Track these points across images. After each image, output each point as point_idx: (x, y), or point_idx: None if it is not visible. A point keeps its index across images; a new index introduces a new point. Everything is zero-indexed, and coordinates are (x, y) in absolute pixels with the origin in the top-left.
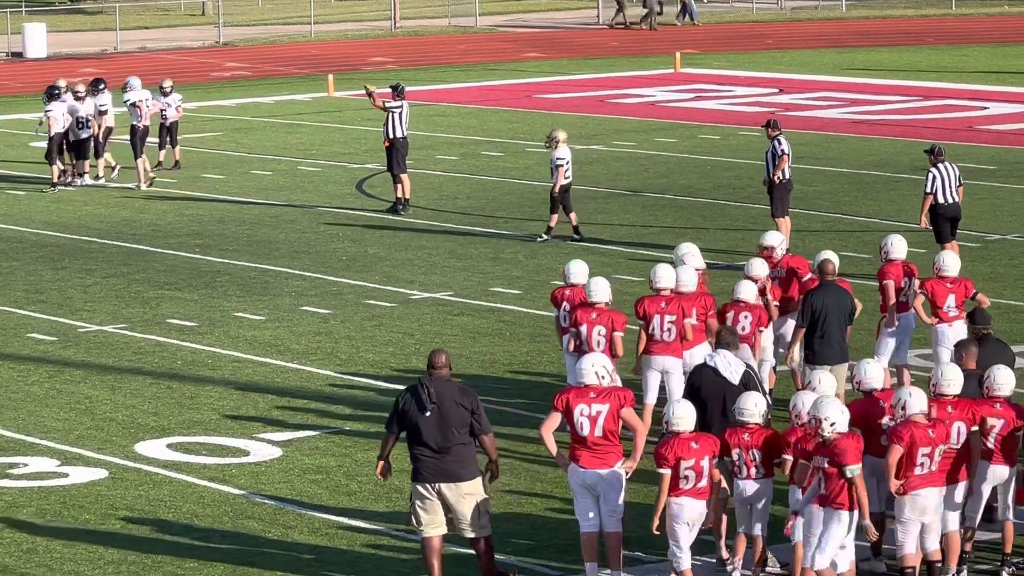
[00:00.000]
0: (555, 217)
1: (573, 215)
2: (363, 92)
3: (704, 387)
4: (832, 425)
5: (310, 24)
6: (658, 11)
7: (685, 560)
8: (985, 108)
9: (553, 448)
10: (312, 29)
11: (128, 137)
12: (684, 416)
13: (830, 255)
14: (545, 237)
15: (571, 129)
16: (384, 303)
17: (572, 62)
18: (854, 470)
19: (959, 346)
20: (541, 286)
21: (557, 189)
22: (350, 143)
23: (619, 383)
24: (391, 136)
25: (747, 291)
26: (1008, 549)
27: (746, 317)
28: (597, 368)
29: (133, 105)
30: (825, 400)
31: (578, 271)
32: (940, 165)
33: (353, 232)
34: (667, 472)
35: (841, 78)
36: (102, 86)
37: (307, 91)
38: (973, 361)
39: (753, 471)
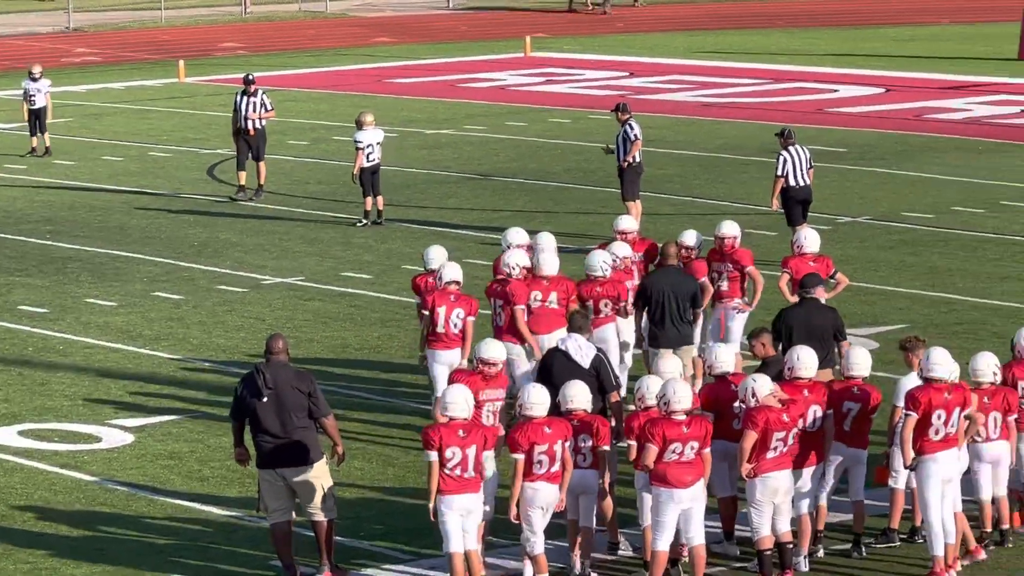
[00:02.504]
0: (369, 200)
1: (380, 199)
2: (213, 78)
3: (555, 371)
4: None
5: (160, 10)
6: None
7: (539, 544)
8: (835, 91)
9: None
10: (163, 15)
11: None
12: (539, 401)
13: (687, 237)
14: (364, 222)
15: (421, 113)
16: (236, 288)
17: (422, 47)
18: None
19: (753, 335)
20: (392, 271)
21: (356, 170)
22: (201, 129)
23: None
24: (256, 126)
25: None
26: (860, 529)
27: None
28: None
29: None
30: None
31: (437, 256)
32: (791, 148)
33: (204, 218)
34: (520, 457)
35: (691, 61)
36: None
37: (158, 77)
38: (771, 348)
39: (580, 459)
